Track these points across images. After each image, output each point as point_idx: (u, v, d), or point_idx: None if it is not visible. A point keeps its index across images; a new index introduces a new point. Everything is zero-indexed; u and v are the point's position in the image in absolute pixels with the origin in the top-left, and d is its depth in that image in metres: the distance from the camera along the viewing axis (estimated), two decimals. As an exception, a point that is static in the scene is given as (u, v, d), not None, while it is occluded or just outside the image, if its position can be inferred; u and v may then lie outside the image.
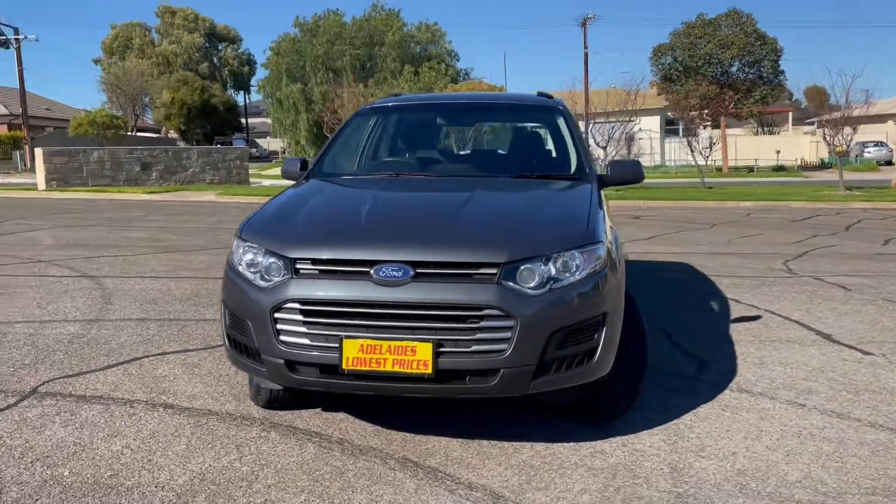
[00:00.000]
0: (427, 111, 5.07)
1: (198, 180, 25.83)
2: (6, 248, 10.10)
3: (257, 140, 73.46)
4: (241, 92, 71.81)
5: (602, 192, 4.40)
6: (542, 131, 4.86)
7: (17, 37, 42.61)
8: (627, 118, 22.27)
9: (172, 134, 62.76)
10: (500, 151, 4.86)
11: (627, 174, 4.31)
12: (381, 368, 2.95)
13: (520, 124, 5.16)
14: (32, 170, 30.71)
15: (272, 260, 3.16)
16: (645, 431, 3.59)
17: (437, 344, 2.93)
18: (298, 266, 3.10)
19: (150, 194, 21.48)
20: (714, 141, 36.72)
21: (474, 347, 2.95)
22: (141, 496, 2.90)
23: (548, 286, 3.03)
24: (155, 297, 6.68)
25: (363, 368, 2.96)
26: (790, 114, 51.64)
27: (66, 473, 3.09)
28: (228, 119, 63.87)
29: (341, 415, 3.78)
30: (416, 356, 2.92)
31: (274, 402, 3.78)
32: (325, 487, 2.99)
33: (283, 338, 3.07)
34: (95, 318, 5.86)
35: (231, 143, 54.62)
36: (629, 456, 3.31)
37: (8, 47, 42.51)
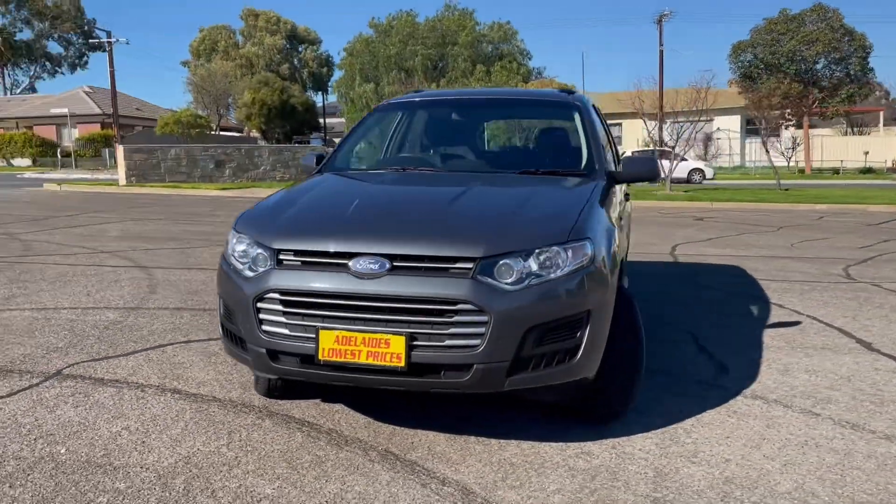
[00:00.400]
0: (443, 107, 5.07)
1: (268, 177, 26.57)
2: (76, 238, 10.64)
3: (335, 140, 74.89)
4: (320, 92, 73.30)
5: (618, 188, 4.31)
6: (556, 127, 4.78)
7: (109, 40, 44.76)
8: (697, 117, 21.61)
9: (255, 133, 64.66)
10: (510, 147, 4.82)
11: (641, 171, 4.20)
12: (356, 360, 2.97)
13: (535, 120, 5.10)
14: (119, 166, 32.19)
15: (259, 251, 3.23)
16: (640, 435, 3.50)
17: (411, 337, 2.93)
18: (281, 257, 3.16)
19: (222, 190, 22.21)
20: (798, 141, 35.31)
21: (447, 342, 2.93)
22: (125, 475, 3.02)
23: (526, 282, 2.98)
24: (197, 288, 6.91)
25: (338, 360, 2.99)
26: (881, 113, 49.04)
27: (62, 451, 3.24)
28: (307, 119, 65.28)
29: (338, 406, 3.83)
30: (389, 349, 2.93)
31: (273, 390, 3.85)
32: (301, 476, 3.03)
33: (264, 327, 3.14)
34: (136, 306, 6.11)
35: (309, 143, 55.89)
36: (615, 458, 3.23)
37: (102, 50, 44.69)
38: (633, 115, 24.22)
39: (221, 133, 57.50)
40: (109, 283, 7.12)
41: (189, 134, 39.89)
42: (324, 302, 3.02)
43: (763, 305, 6.41)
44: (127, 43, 45.35)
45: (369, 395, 3.90)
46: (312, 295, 3.04)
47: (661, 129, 27.84)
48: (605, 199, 3.80)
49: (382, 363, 2.94)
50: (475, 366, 2.93)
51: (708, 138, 41.04)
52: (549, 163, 4.34)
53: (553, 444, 3.37)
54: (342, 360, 2.98)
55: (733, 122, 42.93)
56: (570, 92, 4.79)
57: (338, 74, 53.06)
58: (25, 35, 71.69)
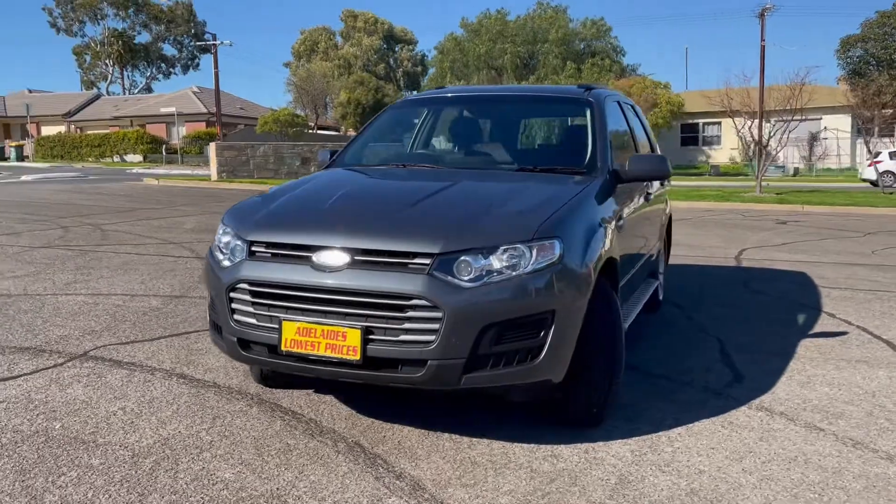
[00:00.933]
0: (456, 104, 5.05)
1: (354, 174, 27.13)
2: (152, 229, 11.24)
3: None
4: (413, 91, 74.27)
5: (626, 187, 4.19)
6: (567, 123, 4.68)
7: (214, 42, 46.87)
8: (791, 116, 20.52)
9: (351, 132, 66.20)
10: (515, 144, 4.74)
11: (649, 169, 4.05)
12: (315, 352, 3.02)
13: (547, 117, 5.00)
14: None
15: (237, 242, 3.33)
16: (619, 440, 3.39)
17: (367, 331, 2.95)
18: (254, 248, 3.25)
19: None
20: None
21: (402, 337, 2.94)
22: (103, 453, 3.18)
23: (484, 279, 2.95)
24: (244, 279, 7.16)
25: (299, 351, 3.05)
26: None
27: (57, 427, 3.45)
28: (400, 117, 66.15)
29: (328, 397, 3.90)
30: (345, 342, 2.96)
31: (266, 379, 3.97)
32: (264, 462, 3.11)
33: (236, 316, 3.24)
34: (181, 294, 6.41)
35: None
36: (583, 463, 3.15)
37: (209, 51, 46.90)
38: (733, 114, 23.22)
39: (319, 132, 59.14)
40: (165, 272, 7.48)
41: (287, 132, 41.25)
42: (286, 293, 3.09)
43: (812, 314, 6.06)
44: (230, 45, 47.41)
45: (361, 389, 3.94)
46: (276, 286, 3.11)
47: (760, 127, 26.63)
48: (600, 198, 3.70)
49: (340, 356, 2.98)
50: (429, 362, 2.92)
51: (814, 138, 38.98)
52: (551, 160, 4.25)
53: (525, 445, 3.32)
54: (303, 351, 3.04)
55: (842, 122, 40.55)
56: (590, 88, 4.67)
57: (430, 73, 53.58)
58: (143, 38, 76.08)
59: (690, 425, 3.59)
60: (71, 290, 6.53)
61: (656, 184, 5.49)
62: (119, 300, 6.14)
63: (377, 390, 3.91)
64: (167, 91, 68.51)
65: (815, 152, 39.22)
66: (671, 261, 8.43)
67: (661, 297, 6.17)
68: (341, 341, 2.97)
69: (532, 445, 3.32)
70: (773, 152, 22.67)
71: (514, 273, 2.98)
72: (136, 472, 3.00)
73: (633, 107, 5.59)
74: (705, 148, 42.61)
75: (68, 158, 48.83)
